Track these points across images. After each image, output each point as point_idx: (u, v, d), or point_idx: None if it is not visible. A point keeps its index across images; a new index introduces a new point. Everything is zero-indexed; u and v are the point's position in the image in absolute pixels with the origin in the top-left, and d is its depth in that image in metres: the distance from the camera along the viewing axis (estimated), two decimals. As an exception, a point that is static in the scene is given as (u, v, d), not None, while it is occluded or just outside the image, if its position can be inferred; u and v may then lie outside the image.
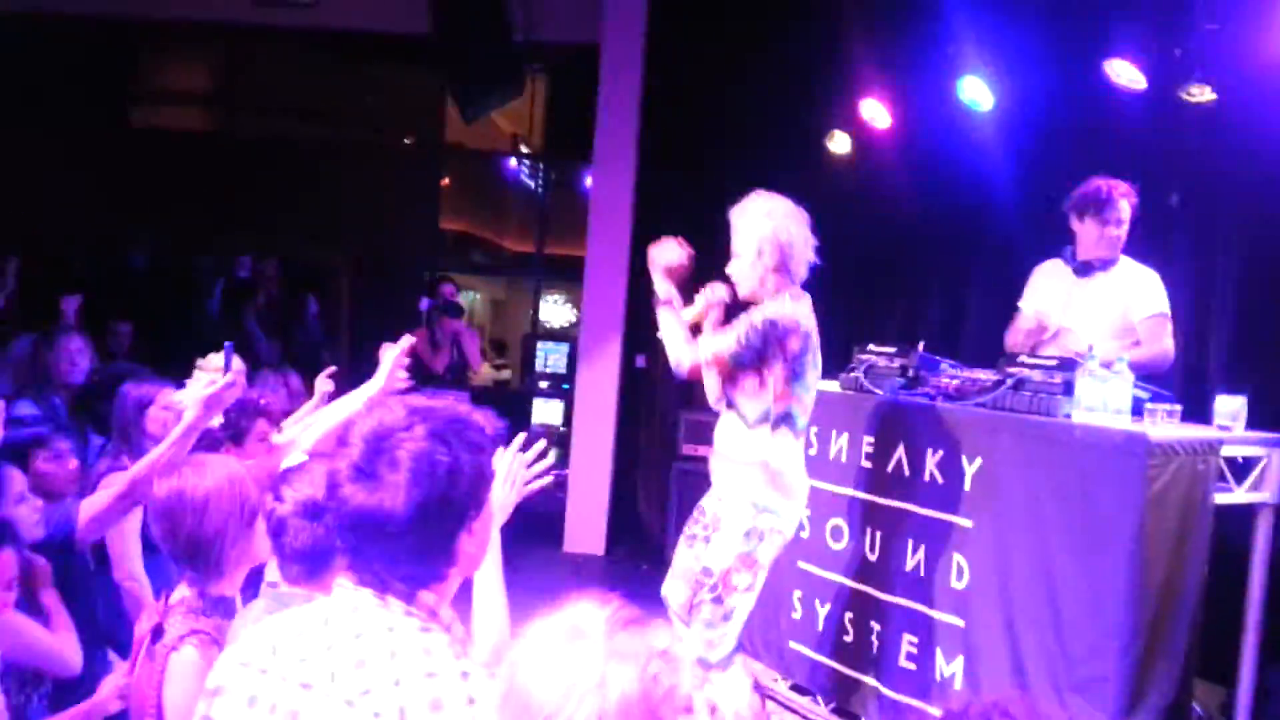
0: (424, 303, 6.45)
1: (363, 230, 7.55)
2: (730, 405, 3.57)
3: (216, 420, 3.01)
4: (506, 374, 9.43)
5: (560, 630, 1.26)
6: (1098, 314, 4.14)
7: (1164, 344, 4.10)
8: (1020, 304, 4.42)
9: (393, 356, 2.98)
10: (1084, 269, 4.22)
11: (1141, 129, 4.90)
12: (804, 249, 3.55)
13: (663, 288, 3.59)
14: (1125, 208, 4.14)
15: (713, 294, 3.68)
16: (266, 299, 7.12)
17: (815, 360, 3.54)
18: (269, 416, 3.40)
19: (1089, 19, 4.96)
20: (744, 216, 3.55)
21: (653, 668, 1.23)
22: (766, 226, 3.50)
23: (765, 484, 3.47)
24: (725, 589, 3.45)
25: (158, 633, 2.18)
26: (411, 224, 7.79)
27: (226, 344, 2.71)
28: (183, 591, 2.26)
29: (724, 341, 3.47)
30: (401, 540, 1.44)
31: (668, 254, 3.59)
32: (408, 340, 3.04)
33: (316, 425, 3.14)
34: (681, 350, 3.56)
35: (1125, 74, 4.75)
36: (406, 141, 8.09)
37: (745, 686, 3.58)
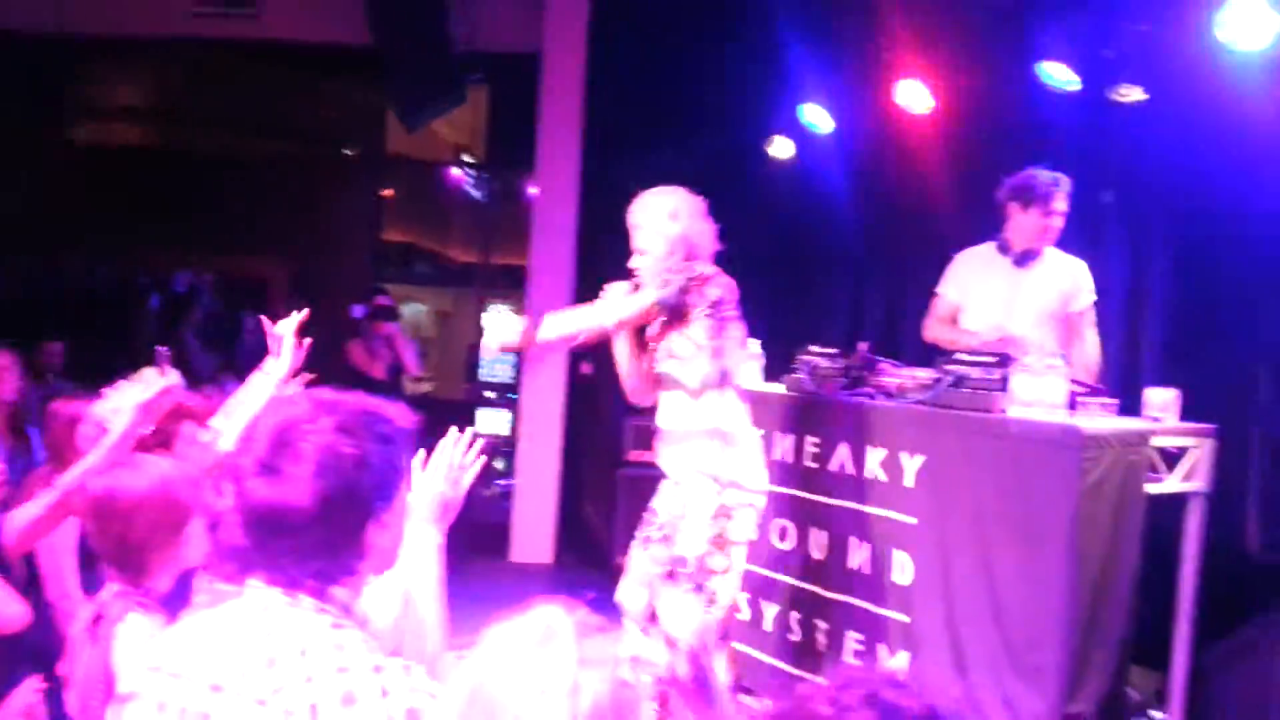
0: (357, 310, 6.39)
1: (304, 243, 7.46)
2: (670, 382, 3.51)
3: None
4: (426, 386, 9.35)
5: (529, 635, 1.24)
6: (1038, 303, 4.21)
7: (1096, 339, 4.24)
8: (939, 289, 4.46)
9: (289, 331, 2.94)
10: (1024, 258, 4.27)
11: (1075, 128, 5.00)
12: (708, 241, 3.56)
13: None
14: (1064, 200, 4.21)
15: (618, 295, 3.56)
16: (204, 313, 7.03)
17: (739, 321, 3.52)
18: (196, 419, 3.34)
19: (1022, 22, 5.04)
20: (646, 214, 3.52)
21: (621, 673, 1.22)
22: (674, 227, 3.49)
23: (724, 455, 3.40)
24: (703, 574, 3.37)
25: (98, 620, 2.14)
26: (353, 236, 7.72)
27: (160, 349, 2.66)
28: (112, 589, 2.22)
29: (644, 294, 3.42)
30: (307, 534, 1.43)
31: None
32: (299, 315, 3.00)
33: (238, 414, 3.10)
34: (640, 387, 3.61)
35: (1058, 75, 4.84)
36: (348, 153, 8.01)
37: (725, 675, 3.45)
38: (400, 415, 1.54)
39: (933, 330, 4.45)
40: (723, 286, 3.45)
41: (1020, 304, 4.22)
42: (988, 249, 4.37)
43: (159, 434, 3.26)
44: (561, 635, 1.22)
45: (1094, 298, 4.26)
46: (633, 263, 3.56)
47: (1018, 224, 4.24)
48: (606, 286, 3.57)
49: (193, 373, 5.82)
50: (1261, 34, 3.91)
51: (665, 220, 3.50)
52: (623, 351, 3.61)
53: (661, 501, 3.62)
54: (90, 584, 2.82)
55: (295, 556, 1.44)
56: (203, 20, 6.74)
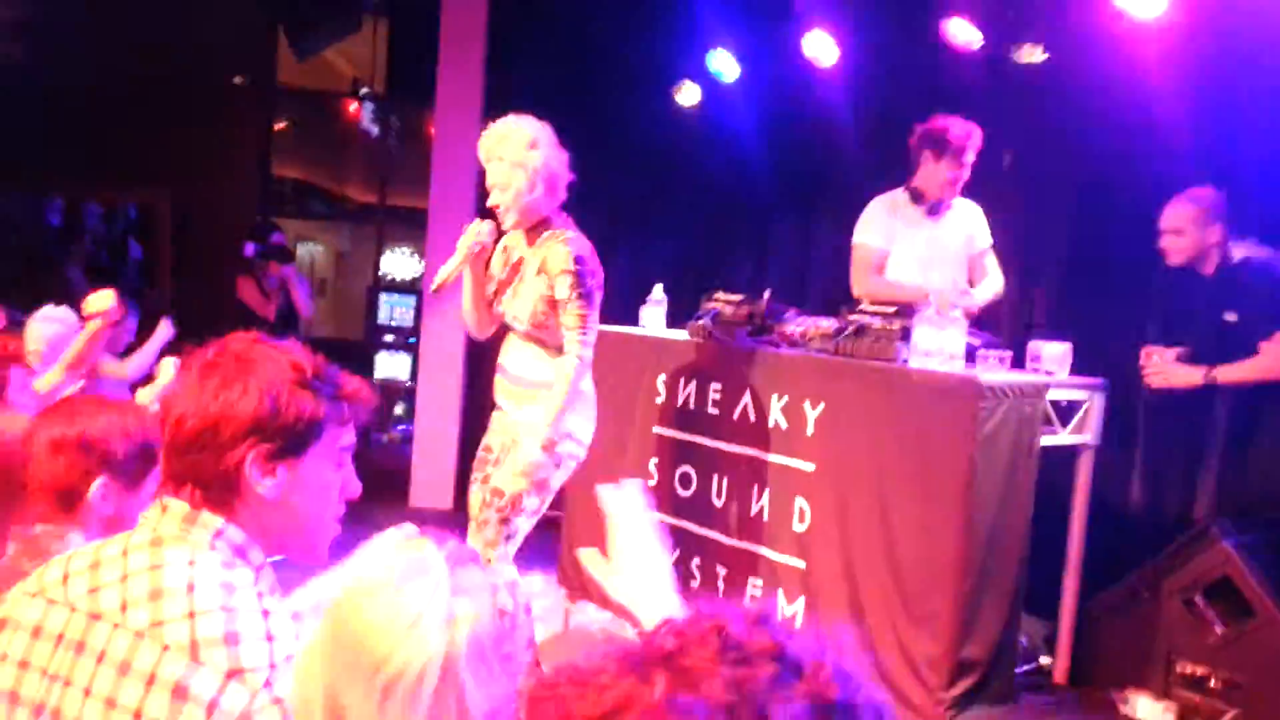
0: (249, 248, 6.13)
1: (189, 173, 7.11)
2: (530, 336, 3.44)
3: None
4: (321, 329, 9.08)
5: (397, 567, 1.18)
6: (951, 252, 4.31)
7: (1000, 275, 4.37)
8: (861, 239, 4.37)
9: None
10: (936, 208, 4.31)
11: (976, 87, 5.04)
12: (564, 171, 3.43)
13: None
14: (974, 153, 4.26)
15: (480, 233, 3.42)
16: (91, 244, 6.68)
17: (597, 278, 3.46)
18: (18, 362, 3.16)
19: (930, -23, 5.05)
20: (504, 145, 3.35)
21: (500, 601, 1.18)
22: (536, 157, 3.33)
23: (562, 409, 3.34)
24: (514, 510, 3.35)
25: None
26: (242, 168, 7.39)
27: None
28: None
29: (577, 318, 3.33)
30: (191, 452, 1.40)
31: (476, 237, 3.41)
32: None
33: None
34: (483, 320, 3.56)
35: (962, 33, 4.86)
36: (236, 81, 7.64)
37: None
38: (349, 384, 1.49)
39: (867, 284, 4.30)
40: (580, 246, 3.37)
41: (937, 255, 4.30)
42: (900, 196, 4.37)
43: None
44: (432, 565, 1.17)
45: (990, 240, 4.41)
46: (493, 200, 3.41)
47: (928, 172, 4.25)
48: (470, 224, 3.44)
49: (77, 307, 5.53)
50: (1156, 2, 3.99)
51: (525, 151, 3.33)
52: (465, 288, 3.52)
53: (494, 436, 3.57)
54: None
55: (175, 469, 1.42)
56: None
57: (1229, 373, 3.76)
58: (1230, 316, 3.85)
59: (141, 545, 1.40)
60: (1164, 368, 3.85)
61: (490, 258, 3.54)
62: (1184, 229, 3.90)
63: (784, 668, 0.70)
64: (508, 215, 3.40)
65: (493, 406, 3.63)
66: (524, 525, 3.42)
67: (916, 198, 4.31)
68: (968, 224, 4.37)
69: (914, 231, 4.32)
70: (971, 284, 4.32)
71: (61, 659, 1.34)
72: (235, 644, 1.30)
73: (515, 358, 3.49)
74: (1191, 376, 3.78)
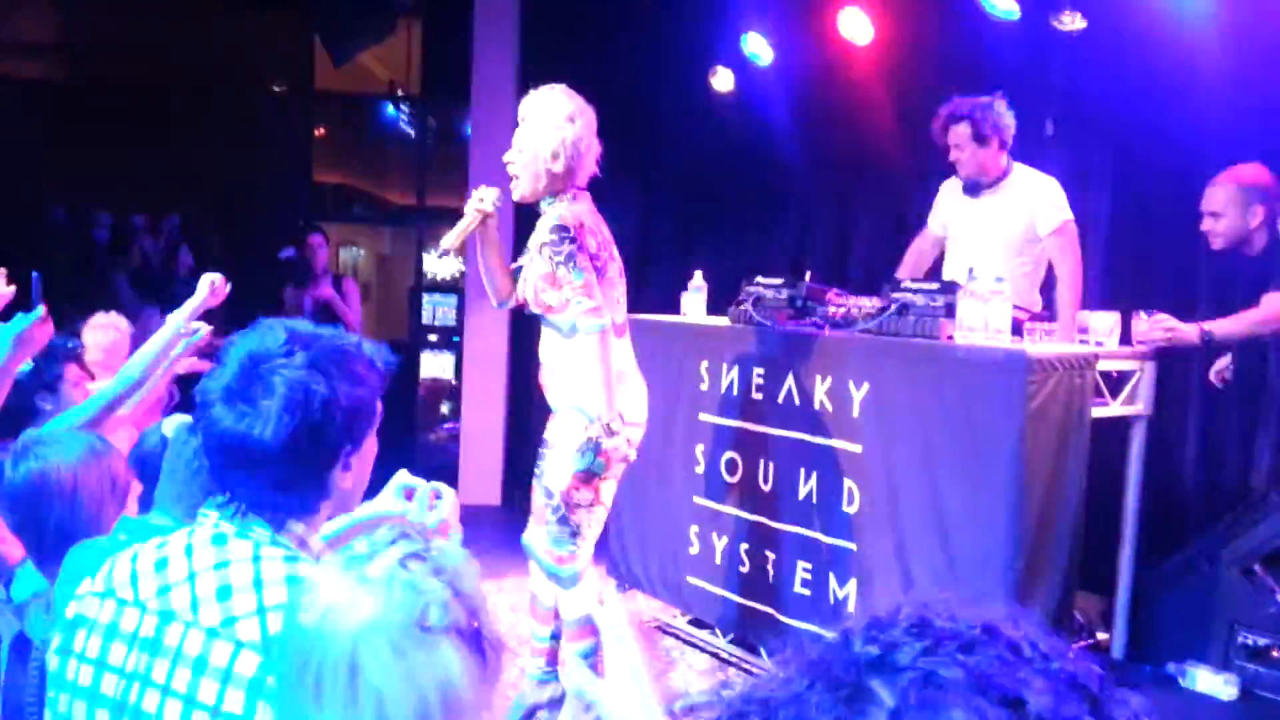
0: (285, 252, 6.16)
1: (233, 183, 7.21)
2: (544, 319, 3.36)
3: (25, 366, 2.84)
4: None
5: (322, 569, 1.21)
6: (990, 232, 4.17)
7: (1077, 254, 4.08)
8: (929, 220, 4.50)
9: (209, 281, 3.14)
10: (972, 188, 4.25)
11: (1017, 58, 4.97)
12: (592, 162, 3.33)
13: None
14: (958, 134, 4.17)
15: (487, 200, 3.27)
16: (142, 257, 6.78)
17: (614, 256, 3.38)
18: (78, 361, 3.20)
19: (964, -51, 4.98)
20: (541, 109, 3.27)
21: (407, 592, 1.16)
22: (569, 130, 3.23)
23: (596, 390, 3.23)
24: (569, 509, 3.32)
25: (22, 646, 2.01)
26: (284, 175, 7.48)
27: (34, 274, 2.52)
28: (34, 581, 2.07)
29: (571, 288, 3.21)
30: (269, 469, 1.39)
31: (479, 203, 3.28)
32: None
33: (134, 358, 3.04)
34: (501, 285, 3.50)
35: (1000, 3, 4.79)
36: (276, 89, 7.73)
37: (590, 603, 3.39)
38: (377, 355, 1.50)
39: (907, 258, 4.51)
40: (591, 232, 3.26)
41: (979, 239, 4.17)
42: (952, 179, 4.38)
43: (41, 375, 3.09)
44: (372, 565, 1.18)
45: (1065, 216, 4.10)
46: (508, 158, 3.32)
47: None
48: (476, 191, 3.32)
49: (127, 317, 5.62)
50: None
51: (561, 120, 3.25)
52: (479, 252, 3.43)
53: (549, 430, 3.53)
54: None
55: (253, 489, 1.42)
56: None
57: (1222, 326, 3.66)
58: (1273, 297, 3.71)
59: (204, 541, 1.42)
60: (1168, 330, 3.68)
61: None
62: (1223, 211, 3.75)
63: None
64: (518, 180, 3.30)
65: (540, 400, 3.62)
66: (585, 518, 3.36)
67: (960, 179, 4.29)
68: (1025, 203, 4.12)
69: (957, 215, 4.32)
70: (1035, 272, 4.16)
71: (138, 659, 1.36)
72: None
73: (543, 344, 3.44)
74: (1189, 334, 3.66)
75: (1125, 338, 3.78)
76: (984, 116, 4.13)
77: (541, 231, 3.26)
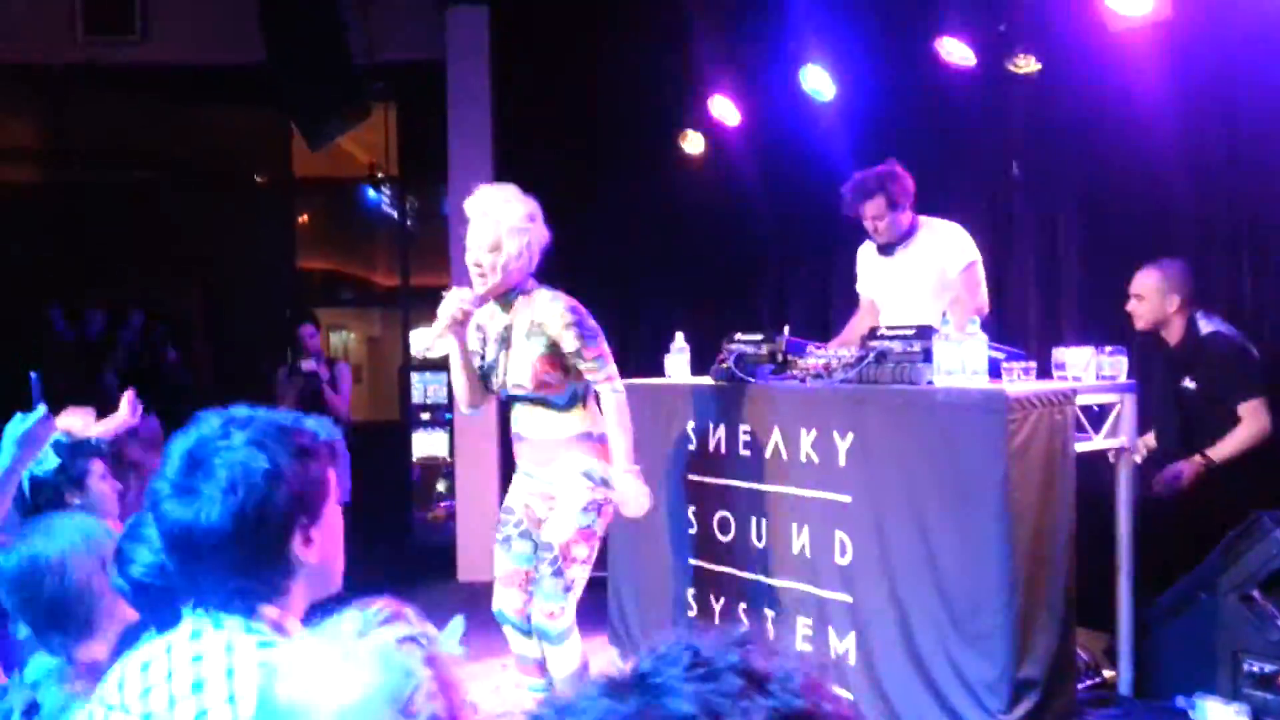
0: (282, 372, 6.23)
1: (216, 274, 7.28)
2: (536, 400, 3.55)
3: (51, 463, 2.89)
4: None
5: (313, 638, 1.20)
6: (909, 285, 4.35)
7: (979, 295, 4.30)
8: (858, 288, 4.66)
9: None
10: (887, 249, 4.43)
11: (976, 103, 5.08)
12: (541, 253, 3.55)
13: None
14: (874, 206, 4.32)
15: (464, 299, 3.43)
16: (128, 354, 6.81)
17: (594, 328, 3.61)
18: (103, 457, 3.24)
19: (917, 1, 5.10)
20: (507, 211, 3.42)
21: (401, 662, 1.16)
22: (534, 230, 3.46)
23: (593, 455, 3.53)
24: (565, 562, 3.44)
25: (32, 710, 2.04)
26: (267, 264, 7.55)
27: (32, 374, 2.56)
28: (46, 662, 2.12)
29: (595, 357, 3.49)
30: (224, 554, 1.40)
31: (459, 304, 3.43)
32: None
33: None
34: (473, 391, 3.61)
35: (955, 51, 4.89)
36: (257, 180, 7.83)
37: (579, 658, 3.53)
38: (321, 427, 1.51)
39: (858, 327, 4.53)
40: (566, 298, 3.52)
41: (901, 292, 4.38)
42: (869, 244, 4.54)
43: (67, 471, 3.15)
44: (344, 632, 1.17)
45: (969, 258, 4.31)
46: (476, 258, 3.44)
47: None
48: (449, 292, 3.48)
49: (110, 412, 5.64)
50: (1145, 1, 4.00)
51: (525, 220, 3.45)
52: (453, 358, 3.56)
53: (515, 498, 3.66)
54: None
55: (215, 577, 1.42)
56: (90, 48, 6.55)
57: (1220, 451, 3.92)
58: (1189, 383, 4.06)
59: (182, 639, 1.44)
60: (1175, 480, 3.94)
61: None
62: (1146, 295, 4.13)
63: (749, 681, 0.71)
64: (489, 277, 3.43)
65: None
66: (579, 574, 3.49)
67: (871, 239, 4.48)
68: (938, 251, 4.34)
69: (879, 273, 4.50)
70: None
71: None
72: None
73: (531, 423, 3.60)
74: (1194, 467, 3.93)
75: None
76: (894, 185, 4.31)
77: (552, 316, 3.45)
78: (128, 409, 3.50)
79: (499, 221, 3.41)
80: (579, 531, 3.46)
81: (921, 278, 4.31)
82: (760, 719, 0.70)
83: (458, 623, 1.57)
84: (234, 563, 1.41)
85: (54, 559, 2.13)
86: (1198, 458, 3.94)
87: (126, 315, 6.94)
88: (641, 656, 0.77)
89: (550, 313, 3.46)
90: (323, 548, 1.48)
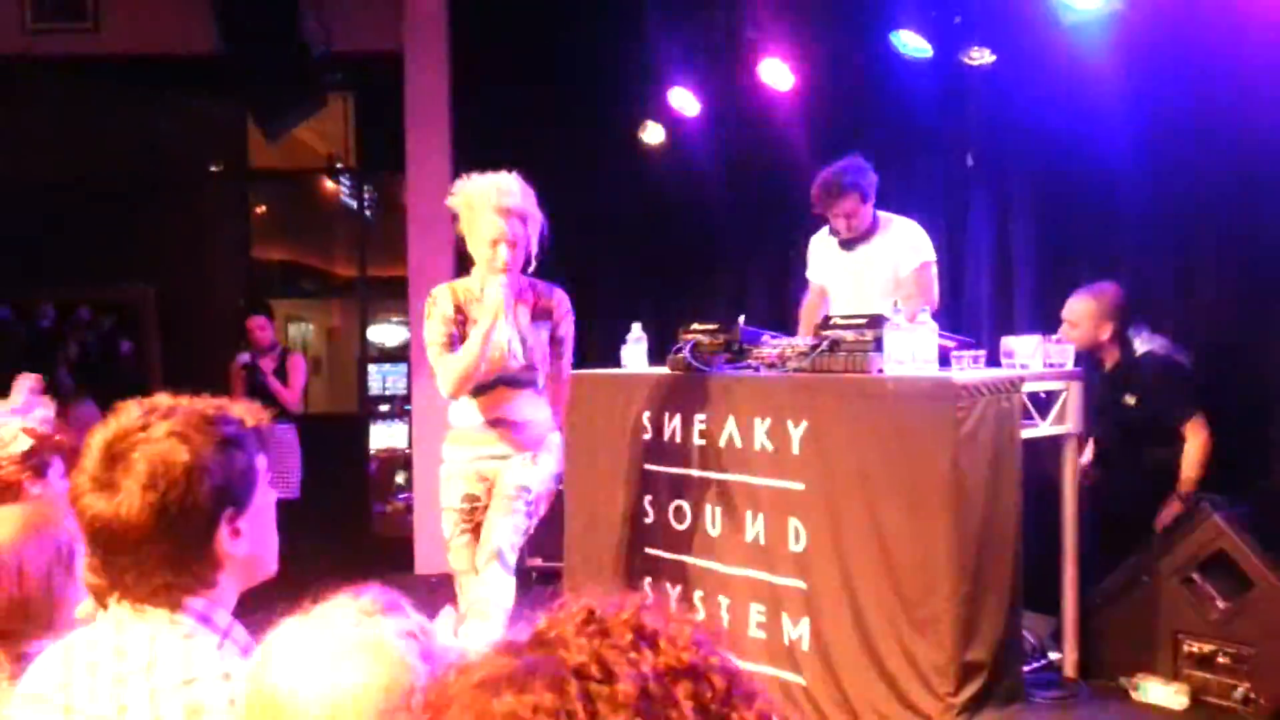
0: (242, 357, 6.16)
1: (169, 266, 7.19)
2: (522, 381, 3.62)
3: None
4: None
5: (307, 624, 1.17)
6: (866, 280, 4.41)
7: (930, 294, 4.37)
8: (808, 275, 4.70)
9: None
10: (847, 243, 4.48)
11: (932, 94, 5.12)
12: None
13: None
14: (849, 202, 4.36)
15: (505, 285, 3.45)
16: (80, 347, 6.73)
17: None
18: (63, 452, 3.20)
19: (874, -7, 5.15)
20: (527, 202, 3.47)
21: (397, 653, 1.13)
22: (538, 215, 3.53)
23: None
24: (535, 510, 3.56)
25: None
26: (224, 255, 7.48)
27: (19, 377, 2.53)
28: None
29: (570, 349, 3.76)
30: (147, 547, 1.37)
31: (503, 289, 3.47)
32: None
33: None
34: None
35: (912, 43, 4.93)
36: (213, 169, 7.75)
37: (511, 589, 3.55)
38: (249, 414, 1.49)
39: (802, 320, 4.71)
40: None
41: (859, 285, 4.44)
42: (822, 231, 4.58)
43: (34, 457, 3.09)
44: (338, 620, 1.15)
45: (924, 258, 4.40)
46: (507, 255, 3.43)
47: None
48: (487, 287, 3.47)
49: (67, 405, 5.57)
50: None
51: (535, 208, 3.51)
52: (474, 346, 3.46)
53: (480, 485, 3.60)
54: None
55: (139, 571, 1.39)
56: (40, 37, 6.46)
57: (1187, 477, 3.92)
58: (1130, 399, 4.11)
59: (104, 632, 1.42)
60: (1163, 517, 3.94)
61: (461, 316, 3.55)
62: (1078, 322, 4.16)
63: (640, 636, 0.73)
64: (513, 270, 3.48)
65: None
66: (532, 527, 3.60)
67: (834, 231, 4.50)
68: (895, 249, 4.41)
69: (836, 266, 4.54)
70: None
71: None
72: (199, 715, 1.32)
73: (516, 406, 3.60)
74: (1176, 506, 3.91)
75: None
76: (864, 180, 4.37)
77: (561, 303, 3.67)
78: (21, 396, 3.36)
79: (523, 215, 3.45)
80: (549, 493, 3.64)
81: (877, 274, 4.38)
82: (647, 670, 0.72)
83: (447, 613, 1.55)
84: (157, 557, 1.38)
85: (8, 556, 2.08)
86: (1175, 499, 3.91)
87: (75, 309, 6.86)
88: (541, 618, 0.79)
89: (561, 301, 3.65)
90: (252, 537, 1.46)
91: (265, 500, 1.49)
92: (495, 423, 3.59)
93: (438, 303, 3.53)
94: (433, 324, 3.50)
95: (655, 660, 0.73)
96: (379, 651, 1.11)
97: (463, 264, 6.60)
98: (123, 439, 1.38)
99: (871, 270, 4.39)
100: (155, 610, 1.40)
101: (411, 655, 1.12)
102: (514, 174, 3.50)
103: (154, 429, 1.38)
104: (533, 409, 3.62)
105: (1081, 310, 4.16)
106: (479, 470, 3.63)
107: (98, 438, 1.41)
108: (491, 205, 3.39)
